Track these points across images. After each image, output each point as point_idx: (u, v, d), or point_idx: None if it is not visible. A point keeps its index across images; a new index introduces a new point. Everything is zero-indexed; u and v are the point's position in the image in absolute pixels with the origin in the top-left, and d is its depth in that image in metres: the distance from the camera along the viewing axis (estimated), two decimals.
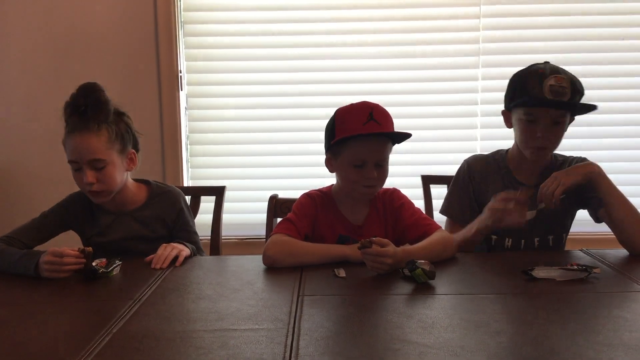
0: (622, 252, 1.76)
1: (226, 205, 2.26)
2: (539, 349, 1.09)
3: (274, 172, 2.95)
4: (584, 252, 1.77)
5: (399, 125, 1.74)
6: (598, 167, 1.77)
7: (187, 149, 2.95)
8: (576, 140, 2.87)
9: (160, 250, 1.72)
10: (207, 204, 2.22)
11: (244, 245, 2.91)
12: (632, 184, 2.88)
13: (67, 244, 1.64)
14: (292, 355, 1.07)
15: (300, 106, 2.92)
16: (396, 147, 1.78)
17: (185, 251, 1.76)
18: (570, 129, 2.84)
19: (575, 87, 1.76)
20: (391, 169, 1.77)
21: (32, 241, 1.80)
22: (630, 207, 1.75)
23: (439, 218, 2.01)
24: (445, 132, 2.93)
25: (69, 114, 1.72)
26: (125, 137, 1.77)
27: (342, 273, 1.56)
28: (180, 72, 2.87)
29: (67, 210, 1.86)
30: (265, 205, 2.14)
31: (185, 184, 2.92)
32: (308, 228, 1.77)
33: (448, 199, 1.99)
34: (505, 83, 1.88)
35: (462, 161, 2.00)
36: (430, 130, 2.92)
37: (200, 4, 2.89)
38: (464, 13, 2.88)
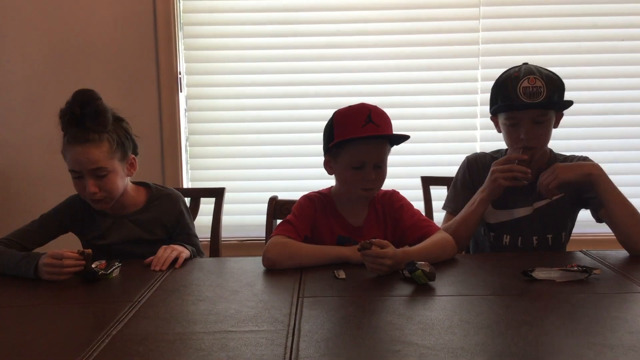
0: (622, 253, 1.76)
1: (226, 206, 2.26)
2: (539, 350, 1.09)
3: (274, 173, 2.95)
4: (584, 253, 1.77)
5: (398, 126, 1.74)
6: (599, 168, 1.77)
7: (186, 150, 2.95)
8: (576, 142, 2.88)
9: (160, 252, 1.72)
10: (206, 205, 2.22)
11: (244, 247, 2.91)
12: (632, 184, 2.88)
13: (67, 247, 1.64)
14: (292, 357, 1.07)
15: (299, 107, 2.92)
16: (396, 148, 1.78)
17: (185, 253, 1.76)
18: (570, 130, 2.87)
19: (551, 84, 1.78)
20: (391, 170, 1.77)
21: (31, 244, 1.79)
22: (630, 208, 1.75)
23: (439, 219, 2.01)
24: (445, 133, 2.93)
25: (66, 122, 1.70)
26: (125, 143, 1.77)
27: (342, 274, 1.56)
28: (180, 74, 2.87)
29: (67, 213, 1.85)
30: (264, 206, 2.14)
31: (184, 186, 2.91)
32: (307, 230, 1.77)
33: (449, 195, 2.00)
34: None
35: (462, 162, 2.00)
36: (430, 131, 2.92)
37: (200, 5, 2.89)
38: (463, 14, 2.88)
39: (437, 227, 1.79)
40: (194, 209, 2.16)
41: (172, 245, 1.76)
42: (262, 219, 2.13)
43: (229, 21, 2.89)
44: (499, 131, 1.90)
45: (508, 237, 1.90)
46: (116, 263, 1.62)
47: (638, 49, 2.89)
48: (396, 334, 1.17)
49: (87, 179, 1.70)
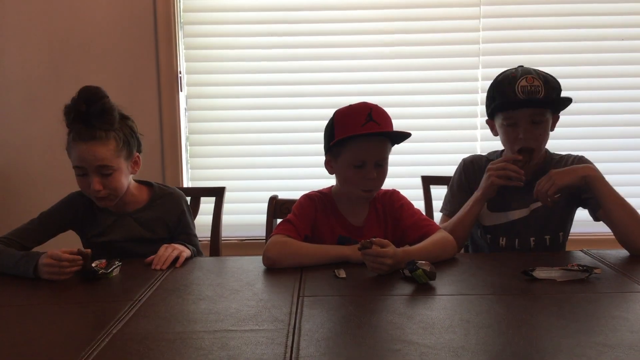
0: (623, 252, 1.76)
1: (226, 206, 2.26)
2: (540, 349, 1.09)
3: (274, 173, 2.95)
4: (585, 253, 1.77)
5: (398, 125, 1.74)
6: (594, 169, 1.77)
7: (186, 150, 2.95)
8: (576, 141, 2.88)
9: (161, 251, 1.72)
10: (206, 205, 2.22)
11: (244, 246, 2.91)
12: (631, 184, 2.88)
13: (67, 245, 1.64)
14: (293, 356, 1.07)
15: (300, 107, 2.92)
16: (396, 147, 1.78)
17: (186, 252, 1.76)
18: (570, 130, 2.87)
19: (549, 84, 1.78)
20: (391, 169, 1.77)
21: (31, 242, 1.79)
22: (628, 208, 1.75)
23: (439, 219, 2.00)
24: (446, 133, 2.93)
25: (71, 119, 1.70)
26: (130, 142, 1.76)
27: (342, 274, 1.56)
28: (180, 73, 2.87)
29: (67, 210, 1.85)
30: (265, 206, 2.14)
31: (185, 185, 2.91)
32: (308, 229, 1.77)
33: (446, 197, 2.00)
34: None
35: (458, 164, 2.01)
36: (431, 130, 2.92)
37: (200, 4, 2.88)
38: (464, 13, 2.88)
39: (437, 226, 1.79)
40: (194, 208, 2.16)
41: (174, 245, 1.76)
42: (263, 218, 2.13)
43: (229, 20, 2.89)
44: (495, 134, 1.90)
45: (504, 239, 1.90)
46: (116, 262, 1.62)
47: (638, 49, 2.89)
48: (397, 333, 1.17)
49: (92, 177, 1.70)
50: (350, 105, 1.73)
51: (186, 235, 1.88)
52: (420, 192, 2.30)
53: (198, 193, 2.22)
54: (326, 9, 2.88)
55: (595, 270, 1.50)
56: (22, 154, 2.89)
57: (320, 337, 1.16)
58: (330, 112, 1.76)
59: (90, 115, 1.67)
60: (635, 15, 2.87)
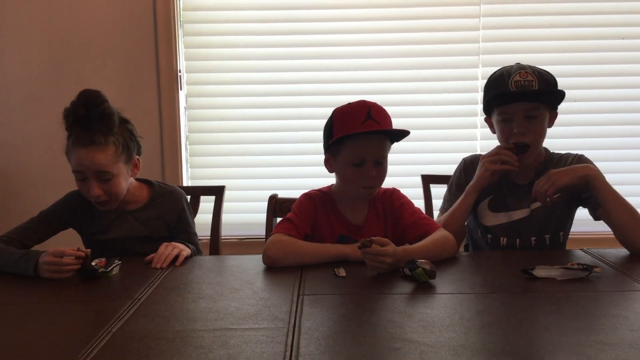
0: (623, 251, 1.76)
1: (226, 205, 2.25)
2: (540, 348, 1.09)
3: (274, 171, 2.95)
4: (585, 252, 1.77)
5: (398, 124, 1.73)
6: (594, 169, 1.77)
7: (186, 148, 2.95)
8: (576, 140, 2.88)
9: (161, 249, 1.72)
10: (206, 203, 2.22)
11: (244, 245, 2.91)
12: (630, 183, 2.88)
13: (67, 244, 1.64)
14: (293, 354, 1.07)
15: (299, 105, 2.92)
16: (396, 146, 1.78)
17: (186, 251, 1.76)
18: (570, 129, 2.87)
19: (543, 79, 1.79)
20: (391, 168, 1.77)
21: (31, 241, 1.79)
22: (628, 207, 1.74)
23: (437, 216, 2.00)
24: (446, 132, 2.93)
25: (70, 123, 1.69)
26: (130, 145, 1.75)
27: (342, 272, 1.56)
28: (180, 72, 2.87)
29: (66, 209, 1.85)
30: (264, 205, 2.13)
31: (184, 184, 2.91)
32: (308, 228, 1.77)
33: (445, 197, 2.00)
34: None
35: (458, 163, 2.01)
36: (431, 129, 2.92)
37: (200, 3, 2.88)
38: (464, 12, 2.88)
39: (437, 225, 1.79)
40: (194, 207, 2.16)
41: (174, 243, 1.76)
42: (262, 217, 2.13)
43: (229, 19, 2.88)
44: (493, 132, 1.91)
45: (505, 239, 1.90)
46: (116, 261, 1.62)
47: (638, 48, 2.89)
48: (397, 332, 1.17)
49: (92, 182, 1.70)
50: (349, 104, 1.73)
51: (186, 233, 1.88)
52: (420, 191, 2.30)
53: (198, 192, 2.21)
54: (325, 8, 2.88)
55: (595, 269, 1.50)
56: (22, 154, 2.89)
57: (320, 335, 1.16)
58: (330, 111, 1.76)
59: (89, 119, 1.66)
60: (635, 14, 2.87)
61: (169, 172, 2.88)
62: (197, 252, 1.86)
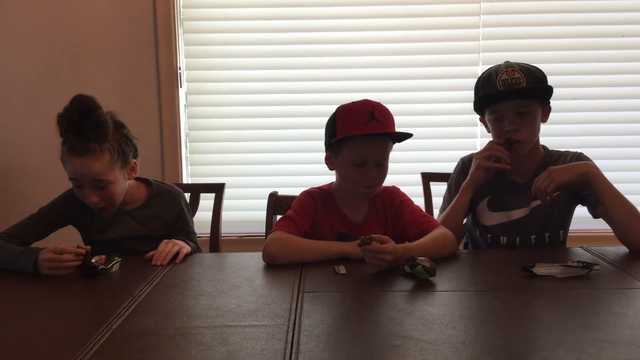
0: (623, 249, 1.76)
1: (226, 202, 2.25)
2: (540, 346, 1.09)
3: (274, 169, 2.95)
4: (585, 249, 1.77)
5: (398, 122, 1.74)
6: (594, 166, 1.76)
7: (186, 146, 2.95)
8: (576, 138, 2.88)
9: (161, 246, 1.72)
10: (206, 201, 2.22)
11: (244, 243, 2.91)
12: (630, 181, 2.88)
13: (66, 241, 1.64)
14: (293, 351, 1.07)
15: (300, 103, 2.92)
16: (396, 144, 1.77)
17: (186, 248, 1.76)
18: (570, 127, 2.87)
19: (531, 76, 1.79)
20: (391, 166, 1.76)
21: (31, 238, 1.79)
22: (628, 205, 1.74)
23: (437, 215, 2.00)
24: (446, 130, 2.93)
25: (64, 130, 1.67)
26: (125, 150, 1.74)
27: (342, 270, 1.56)
28: (180, 69, 2.87)
29: (65, 206, 1.85)
30: (265, 202, 2.13)
31: (184, 182, 2.91)
32: (308, 225, 1.77)
33: (444, 197, 2.01)
34: None
35: (457, 163, 2.01)
36: (431, 127, 2.92)
37: (200, 0, 2.88)
38: (464, 10, 2.88)
39: (437, 223, 1.79)
40: (194, 204, 2.16)
41: (174, 240, 1.76)
42: (262, 214, 2.13)
43: (229, 16, 2.88)
44: (489, 131, 1.91)
45: (505, 238, 1.90)
46: (116, 258, 1.62)
47: (639, 46, 2.88)
48: (397, 329, 1.17)
49: (88, 190, 1.70)
50: (353, 103, 1.72)
51: (185, 232, 1.88)
52: (420, 188, 2.30)
53: (198, 189, 2.21)
54: (325, 5, 2.87)
55: (595, 267, 1.50)
56: (22, 153, 2.88)
57: (320, 332, 1.16)
58: (330, 109, 1.76)
59: (84, 127, 1.64)
60: (636, 12, 2.87)
61: (169, 169, 2.88)
62: (196, 250, 1.86)
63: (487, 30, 2.88)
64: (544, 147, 1.93)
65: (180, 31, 2.87)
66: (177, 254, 1.71)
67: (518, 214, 1.88)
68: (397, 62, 2.90)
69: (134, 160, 1.80)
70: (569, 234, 1.95)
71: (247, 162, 2.95)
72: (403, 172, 2.71)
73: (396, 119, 1.73)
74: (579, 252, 1.74)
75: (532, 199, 1.84)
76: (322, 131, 1.79)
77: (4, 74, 2.84)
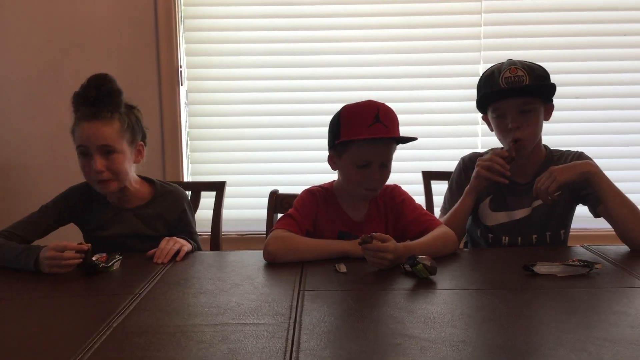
0: (623, 248, 1.76)
1: (226, 200, 2.25)
2: (541, 344, 1.09)
3: (275, 167, 2.95)
4: (585, 248, 1.77)
5: (399, 120, 1.73)
6: (594, 165, 1.76)
7: (187, 144, 2.95)
8: (577, 137, 2.88)
9: (162, 244, 1.72)
10: (207, 199, 2.22)
11: (245, 241, 2.91)
12: (630, 180, 2.88)
13: (67, 239, 1.64)
14: (294, 349, 1.07)
15: (301, 101, 2.92)
16: None
17: (187, 246, 1.76)
18: (571, 125, 2.86)
19: (534, 73, 1.79)
20: (392, 164, 1.76)
21: (32, 235, 1.79)
22: (629, 204, 1.75)
23: (439, 215, 2.00)
24: (447, 128, 2.93)
25: (79, 103, 1.72)
26: (135, 128, 1.78)
27: (343, 268, 1.56)
28: (181, 67, 2.87)
29: (66, 204, 1.85)
30: (265, 200, 2.13)
31: (185, 180, 2.91)
32: (309, 224, 1.77)
33: (446, 196, 2.00)
34: None
35: (457, 163, 2.01)
36: (432, 126, 2.91)
37: None
38: (465, 8, 2.87)
39: (438, 221, 1.79)
40: (195, 203, 2.16)
41: (175, 238, 1.76)
42: (263, 213, 2.13)
43: (230, 14, 2.88)
44: (492, 129, 1.91)
45: (507, 237, 1.90)
46: (117, 256, 1.62)
47: None
48: (397, 328, 1.17)
49: (95, 157, 1.70)
50: (358, 104, 1.71)
51: (187, 233, 1.87)
52: (421, 187, 2.30)
53: (198, 187, 2.22)
54: (326, 4, 2.87)
55: (596, 266, 1.50)
56: (22, 153, 2.88)
57: (320, 331, 1.16)
58: (331, 107, 1.76)
59: (96, 96, 1.70)
60: (637, 11, 2.86)
61: (170, 167, 2.88)
62: (197, 249, 1.87)
63: (489, 29, 2.88)
64: (545, 147, 1.93)
65: (181, 29, 2.86)
66: (177, 251, 1.71)
67: (520, 214, 1.88)
68: (398, 61, 2.90)
69: (142, 144, 1.81)
70: (570, 233, 1.95)
71: (248, 160, 2.95)
72: (404, 170, 2.70)
73: (398, 116, 1.73)
74: (580, 251, 1.74)
75: (534, 199, 1.84)
76: (324, 130, 1.78)
77: (4, 73, 2.84)
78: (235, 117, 2.93)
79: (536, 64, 1.84)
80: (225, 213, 2.24)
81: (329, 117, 1.77)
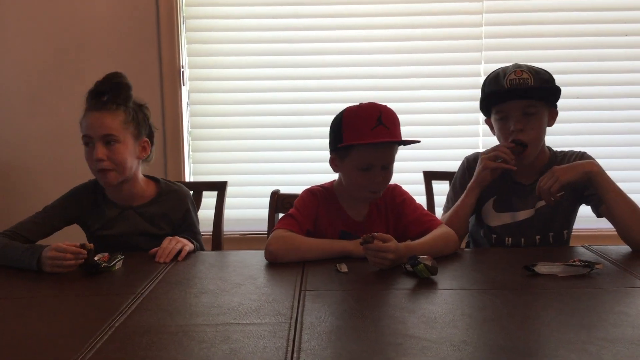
0: (625, 248, 1.76)
1: (228, 200, 2.26)
2: (541, 344, 1.09)
3: (276, 167, 2.95)
4: (586, 248, 1.77)
5: (401, 120, 1.73)
6: (597, 165, 1.76)
7: (189, 144, 2.95)
8: (579, 137, 2.88)
9: (164, 243, 1.72)
10: (209, 199, 2.22)
11: (246, 241, 2.91)
12: (633, 180, 2.88)
13: (70, 239, 1.64)
14: (295, 349, 1.07)
15: (302, 102, 2.92)
16: None
17: (189, 246, 1.76)
18: (573, 126, 2.86)
19: (539, 77, 1.79)
20: (393, 165, 1.76)
21: (35, 236, 1.79)
22: (631, 204, 1.74)
23: (441, 214, 2.00)
24: (448, 128, 2.92)
25: (90, 97, 1.77)
26: (141, 124, 1.80)
27: (344, 268, 1.56)
28: (183, 68, 2.87)
29: (71, 203, 1.85)
30: (267, 200, 2.14)
31: (187, 180, 2.91)
32: (310, 224, 1.77)
33: (448, 196, 2.00)
34: None
35: (463, 157, 2.00)
36: (433, 126, 2.91)
37: None
38: (466, 8, 2.87)
39: (439, 221, 1.79)
40: (196, 202, 2.15)
41: (177, 237, 1.76)
42: (265, 212, 2.13)
43: (232, 14, 2.88)
44: (494, 133, 1.90)
45: (510, 238, 1.89)
46: (119, 256, 1.63)
47: None
48: (398, 328, 1.18)
49: (97, 145, 1.72)
50: (360, 106, 1.70)
51: (190, 233, 1.88)
52: (422, 187, 2.30)
53: (200, 187, 2.22)
54: (327, 4, 2.87)
55: (597, 266, 1.50)
56: (23, 153, 2.88)
57: (322, 330, 1.16)
58: (333, 107, 1.76)
59: (105, 89, 1.75)
60: (638, 11, 2.86)
61: (172, 167, 2.88)
62: (200, 249, 1.87)
63: (490, 29, 2.88)
64: (549, 148, 1.93)
65: (182, 29, 2.87)
66: (179, 251, 1.72)
67: (523, 215, 1.88)
68: (399, 61, 2.90)
69: (147, 140, 1.83)
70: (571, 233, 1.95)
71: (250, 160, 2.95)
72: (405, 170, 2.70)
73: (399, 117, 1.73)
74: (581, 251, 1.74)
75: (538, 199, 1.84)
76: (325, 130, 1.78)
77: (4, 73, 2.84)
78: (237, 117, 2.93)
79: (542, 69, 1.84)
80: (227, 213, 2.24)
81: (331, 118, 1.76)
